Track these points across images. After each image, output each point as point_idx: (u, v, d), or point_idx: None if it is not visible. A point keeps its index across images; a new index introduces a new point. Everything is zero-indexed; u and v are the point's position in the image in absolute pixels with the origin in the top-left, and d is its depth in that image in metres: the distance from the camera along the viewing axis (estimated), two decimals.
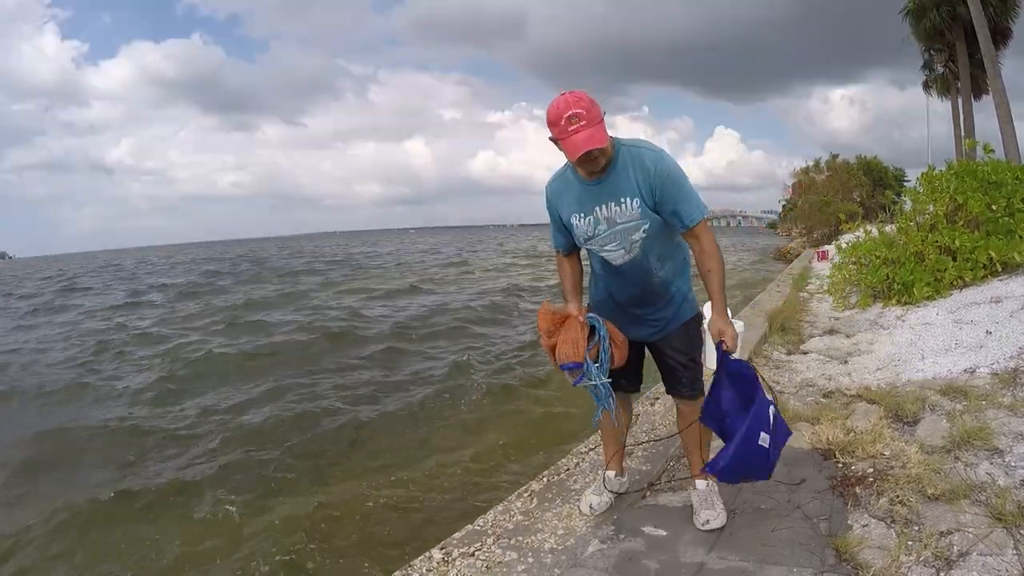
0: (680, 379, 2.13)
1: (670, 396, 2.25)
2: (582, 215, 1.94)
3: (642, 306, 2.08)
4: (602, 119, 1.78)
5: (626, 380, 2.22)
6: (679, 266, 2.07)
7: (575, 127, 1.72)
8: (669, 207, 1.86)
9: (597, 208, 1.90)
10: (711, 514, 2.13)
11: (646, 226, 1.88)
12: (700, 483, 2.21)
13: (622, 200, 1.86)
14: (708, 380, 2.03)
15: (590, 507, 2.30)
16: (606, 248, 1.95)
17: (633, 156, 1.87)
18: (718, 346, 1.92)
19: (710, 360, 2.04)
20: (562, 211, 2.00)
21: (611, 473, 2.38)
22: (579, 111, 1.72)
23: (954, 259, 5.70)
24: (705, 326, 2.01)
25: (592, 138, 1.73)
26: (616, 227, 1.90)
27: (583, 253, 2.16)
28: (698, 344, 2.12)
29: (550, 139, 1.81)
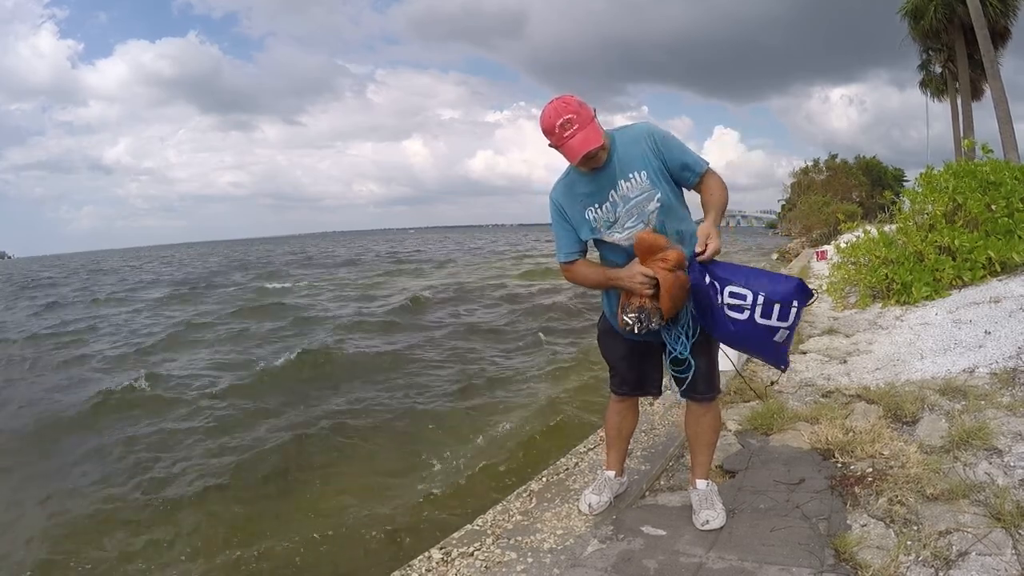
0: (696, 379, 2.10)
1: (683, 398, 2.22)
2: (598, 204, 1.97)
3: None
4: (593, 118, 1.86)
5: (652, 385, 2.24)
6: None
7: (570, 132, 1.82)
8: (677, 161, 1.95)
9: (612, 191, 1.95)
10: (711, 514, 2.13)
11: (659, 195, 1.94)
12: (700, 483, 2.21)
13: (631, 176, 1.93)
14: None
15: (589, 507, 2.30)
16: (627, 226, 1.96)
17: (626, 135, 1.97)
18: (692, 258, 1.87)
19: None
20: (576, 208, 2.01)
21: (611, 474, 2.39)
22: (570, 116, 1.81)
23: (953, 259, 5.70)
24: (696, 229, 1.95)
25: (588, 139, 1.82)
26: (631, 202, 1.94)
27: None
28: (714, 344, 2.13)
29: (549, 146, 1.89)
